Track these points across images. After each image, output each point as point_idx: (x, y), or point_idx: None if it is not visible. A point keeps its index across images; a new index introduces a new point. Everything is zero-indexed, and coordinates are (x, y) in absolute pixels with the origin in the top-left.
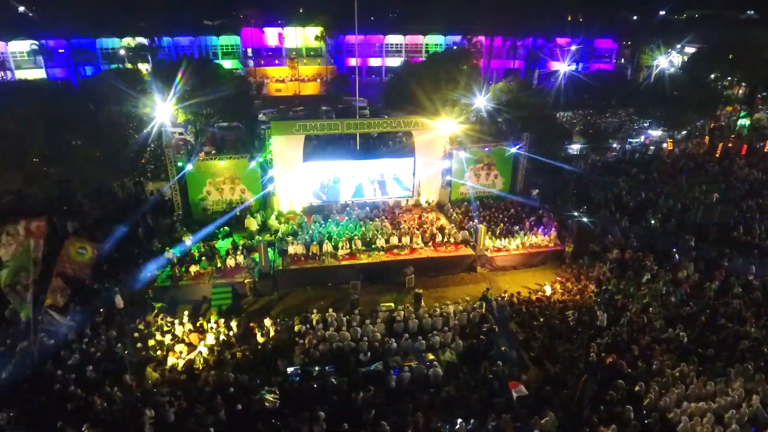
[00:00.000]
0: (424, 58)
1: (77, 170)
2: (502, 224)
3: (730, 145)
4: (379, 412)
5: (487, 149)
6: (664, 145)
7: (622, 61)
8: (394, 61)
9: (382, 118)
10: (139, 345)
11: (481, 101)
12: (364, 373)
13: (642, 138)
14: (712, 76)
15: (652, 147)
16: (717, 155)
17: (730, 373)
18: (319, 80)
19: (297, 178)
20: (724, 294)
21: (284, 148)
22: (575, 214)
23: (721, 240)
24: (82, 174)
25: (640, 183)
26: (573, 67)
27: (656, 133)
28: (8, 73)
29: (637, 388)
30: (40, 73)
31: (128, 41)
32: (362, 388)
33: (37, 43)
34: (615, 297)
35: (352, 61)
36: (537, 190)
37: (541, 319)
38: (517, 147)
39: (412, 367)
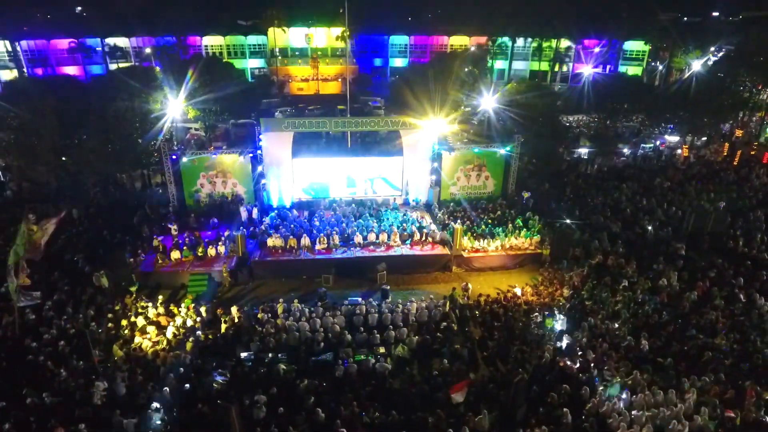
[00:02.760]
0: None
1: (86, 162)
2: (483, 225)
3: (752, 153)
4: (319, 400)
5: (476, 150)
6: (679, 151)
7: (658, 64)
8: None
9: (371, 116)
10: (110, 324)
11: (489, 102)
12: (313, 362)
13: (657, 143)
14: (749, 81)
15: (665, 153)
16: (735, 163)
17: (683, 384)
18: (340, 80)
19: (286, 174)
20: (704, 305)
21: (274, 145)
22: (563, 217)
23: (715, 250)
24: (90, 165)
25: (645, 189)
26: (598, 69)
27: (673, 138)
28: (49, 69)
29: (582, 392)
30: (78, 70)
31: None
32: (308, 376)
33: (75, 41)
34: (585, 302)
35: (377, 62)
36: (528, 193)
37: (504, 320)
38: (508, 149)
39: (361, 359)
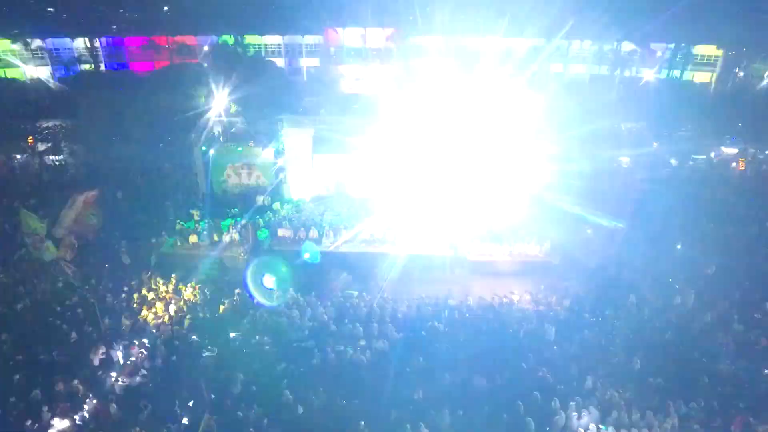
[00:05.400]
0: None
1: (130, 150)
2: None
3: None
4: (291, 384)
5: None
6: (734, 164)
7: (738, 70)
8: None
9: None
10: (124, 297)
11: None
12: (294, 347)
13: (711, 154)
14: None
15: (719, 165)
16: None
17: (668, 407)
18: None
19: (306, 169)
20: (719, 328)
21: (295, 140)
22: (587, 228)
23: (748, 271)
24: (134, 153)
25: (686, 202)
26: (658, 74)
27: (730, 150)
28: (123, 64)
29: (553, 404)
30: (148, 66)
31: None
32: (288, 360)
33: (147, 38)
34: (585, 314)
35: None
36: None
37: (493, 325)
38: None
39: (339, 349)
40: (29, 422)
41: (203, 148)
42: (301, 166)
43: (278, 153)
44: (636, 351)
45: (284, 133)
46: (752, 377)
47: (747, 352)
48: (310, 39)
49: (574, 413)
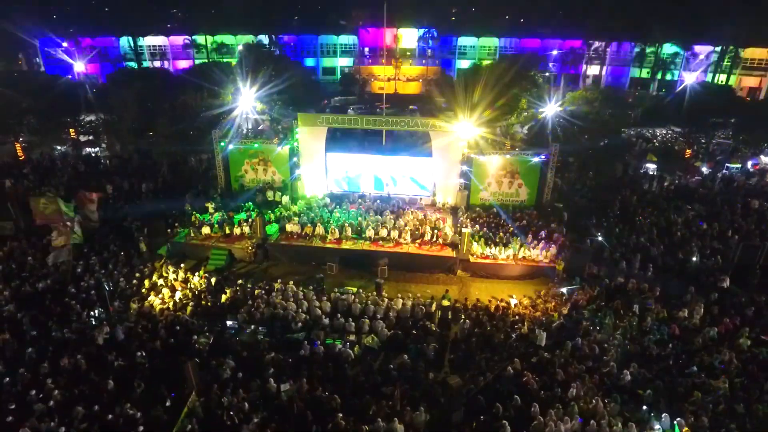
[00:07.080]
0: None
1: (158, 143)
2: (501, 233)
3: None
4: (277, 372)
5: (509, 156)
6: None
7: None
8: None
9: (403, 116)
10: (135, 282)
11: (552, 109)
12: (286, 339)
13: (749, 164)
14: None
15: (755, 175)
16: None
17: (651, 420)
18: (421, 81)
19: (320, 167)
20: (723, 343)
21: (309, 138)
22: (595, 232)
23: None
24: (159, 146)
25: (712, 213)
26: (695, 77)
27: None
28: (166, 62)
29: (533, 409)
30: (188, 64)
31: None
32: (278, 350)
33: (189, 38)
34: (583, 322)
35: (461, 63)
36: (561, 204)
37: (488, 328)
38: (543, 157)
39: (329, 343)
40: (33, 392)
41: (222, 143)
42: (315, 164)
43: (293, 150)
44: (630, 361)
45: (299, 130)
46: (750, 397)
47: (749, 370)
48: (344, 39)
49: (553, 421)
